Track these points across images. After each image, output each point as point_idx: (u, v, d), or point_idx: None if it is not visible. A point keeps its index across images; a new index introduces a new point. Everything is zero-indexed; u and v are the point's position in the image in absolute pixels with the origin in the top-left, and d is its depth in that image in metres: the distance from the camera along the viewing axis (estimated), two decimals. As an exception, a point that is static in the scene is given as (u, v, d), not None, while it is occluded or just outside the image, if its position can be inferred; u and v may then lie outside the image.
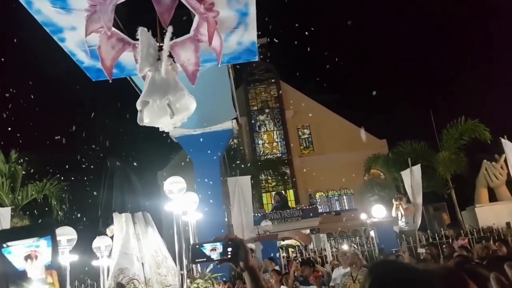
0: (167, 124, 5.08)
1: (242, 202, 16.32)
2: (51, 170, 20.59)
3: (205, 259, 1.87)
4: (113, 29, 4.68)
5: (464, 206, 20.27)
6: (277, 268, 11.23)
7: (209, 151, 14.87)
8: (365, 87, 35.65)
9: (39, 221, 18.97)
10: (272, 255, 13.80)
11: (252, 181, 18.62)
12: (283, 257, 15.44)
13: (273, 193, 34.66)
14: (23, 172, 20.12)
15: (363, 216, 20.68)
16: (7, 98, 18.52)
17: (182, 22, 5.04)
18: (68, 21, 4.96)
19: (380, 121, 34.36)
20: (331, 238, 29.92)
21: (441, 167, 21.48)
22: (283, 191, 34.57)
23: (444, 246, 12.40)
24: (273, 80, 38.74)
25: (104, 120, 26.61)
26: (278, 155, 37.27)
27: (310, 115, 35.54)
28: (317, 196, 35.61)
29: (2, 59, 18.21)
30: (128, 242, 8.94)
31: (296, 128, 38.04)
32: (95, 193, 10.81)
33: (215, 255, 1.86)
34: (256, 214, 23.70)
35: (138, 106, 4.86)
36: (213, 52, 5.01)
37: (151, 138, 20.11)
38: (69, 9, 4.74)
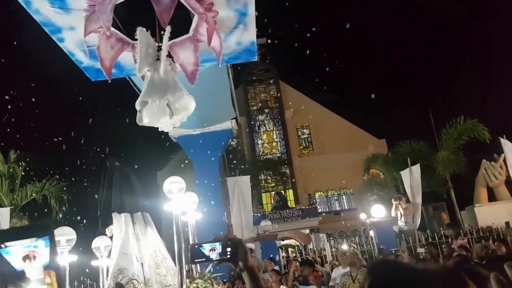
0: (167, 124, 5.08)
1: (241, 202, 16.32)
2: (51, 171, 20.60)
3: (204, 259, 1.87)
4: (112, 29, 4.68)
5: (464, 205, 20.27)
6: (276, 268, 11.23)
7: (208, 151, 14.86)
8: (364, 87, 35.74)
9: (38, 222, 18.97)
10: (271, 255, 13.79)
11: (252, 181, 18.62)
12: (283, 257, 15.43)
13: (273, 193, 34.68)
14: (22, 173, 20.11)
15: (362, 216, 20.69)
16: (6, 98, 18.52)
17: (181, 22, 5.03)
18: (67, 21, 4.95)
19: (379, 121, 34.41)
20: (331, 238, 29.91)
21: (440, 167, 21.49)
22: (282, 191, 34.58)
23: (443, 245, 12.41)
24: (272, 80, 38.76)
25: (103, 120, 26.63)
26: (278, 155, 37.28)
27: (310, 117, 35.59)
28: (316, 196, 35.62)
29: (2, 60, 18.21)
30: (128, 242, 8.93)
31: (295, 128, 38.05)
32: (94, 194, 10.80)
33: (214, 255, 1.86)
34: (256, 214, 23.72)
35: (137, 106, 4.86)
36: (212, 52, 5.01)
37: (150, 138, 20.13)
38: (68, 9, 4.74)
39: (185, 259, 7.67)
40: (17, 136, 20.89)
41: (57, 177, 20.57)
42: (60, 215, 20.00)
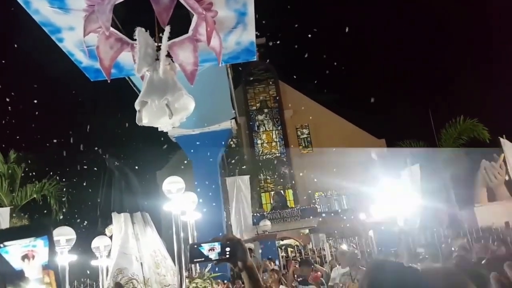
0: (166, 124, 5.08)
1: (241, 202, 16.34)
2: (50, 171, 20.60)
3: (203, 259, 1.87)
4: (112, 29, 4.68)
5: (463, 205, 20.26)
6: (276, 268, 11.23)
7: (208, 151, 14.87)
8: (364, 86, 35.69)
9: (37, 221, 18.96)
10: (270, 255, 13.80)
11: (251, 181, 18.63)
12: (282, 257, 15.45)
13: (272, 192, 34.67)
14: (22, 174, 20.12)
15: (362, 216, 20.68)
16: (6, 98, 18.51)
17: (180, 22, 5.04)
18: (66, 21, 4.95)
19: (378, 120, 34.38)
20: (330, 238, 29.90)
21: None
22: (282, 191, 34.57)
23: (443, 246, 12.39)
24: (272, 80, 38.73)
25: (102, 120, 26.60)
26: (277, 154, 37.25)
27: (311, 117, 35.57)
28: (316, 195, 35.59)
29: (3, 61, 18.21)
30: (127, 242, 8.94)
31: (295, 128, 38.01)
32: (94, 194, 10.81)
33: (213, 255, 1.86)
34: (255, 214, 23.72)
35: (137, 106, 4.86)
36: (211, 52, 5.01)
37: (150, 138, 20.11)
38: (67, 9, 4.74)
39: (184, 259, 7.68)
40: (17, 136, 20.90)
41: (57, 177, 20.59)
42: (60, 215, 20.00)
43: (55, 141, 20.63)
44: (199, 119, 12.79)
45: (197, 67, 4.93)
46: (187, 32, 4.94)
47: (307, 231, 28.36)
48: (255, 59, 6.21)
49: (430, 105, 29.18)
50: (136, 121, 4.93)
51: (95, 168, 15.63)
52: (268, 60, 35.53)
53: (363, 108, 35.59)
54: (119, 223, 9.15)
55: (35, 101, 21.36)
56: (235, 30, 5.29)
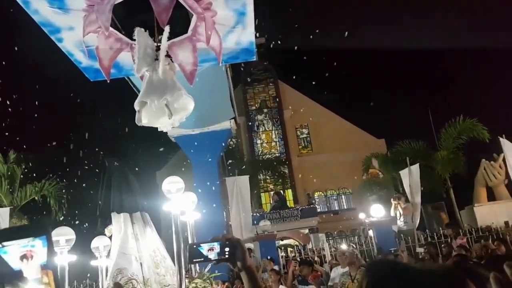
0: (166, 124, 5.08)
1: (240, 202, 16.33)
2: (50, 172, 20.60)
3: (202, 259, 1.87)
4: (111, 29, 4.67)
5: (463, 205, 20.26)
6: (276, 267, 11.22)
7: (207, 151, 14.86)
8: (363, 86, 35.71)
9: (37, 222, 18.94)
10: (270, 255, 13.78)
11: (251, 181, 18.60)
12: (282, 256, 15.43)
13: (272, 192, 34.63)
14: (21, 175, 20.11)
15: (361, 216, 20.68)
16: (5, 98, 18.50)
17: (180, 22, 5.04)
18: (65, 21, 4.95)
19: (378, 120, 34.42)
20: (330, 238, 29.89)
21: (440, 166, 21.47)
22: (281, 191, 34.54)
23: (442, 245, 12.39)
24: (271, 80, 38.73)
25: (102, 120, 26.61)
26: (277, 154, 37.25)
27: (311, 119, 35.59)
28: (315, 195, 35.60)
29: (3, 63, 18.19)
30: (127, 242, 8.93)
31: (294, 128, 38.03)
32: (94, 194, 10.80)
33: (212, 255, 1.86)
34: (255, 214, 23.71)
35: (136, 106, 4.86)
36: (210, 52, 5.02)
37: (149, 138, 20.11)
38: (66, 9, 4.74)
39: (184, 259, 7.68)
40: (17, 136, 20.90)
41: (57, 178, 20.58)
42: (60, 216, 20.00)
43: (54, 142, 20.62)
44: (198, 119, 12.78)
45: (196, 67, 4.93)
46: (186, 32, 4.94)
47: (306, 231, 28.31)
48: (255, 59, 6.21)
49: (430, 105, 29.24)
50: (136, 121, 4.93)
51: (95, 169, 15.63)
52: (267, 60, 35.55)
53: (362, 108, 35.67)
54: (119, 223, 9.14)
55: (35, 101, 21.37)
56: (234, 30, 5.29)
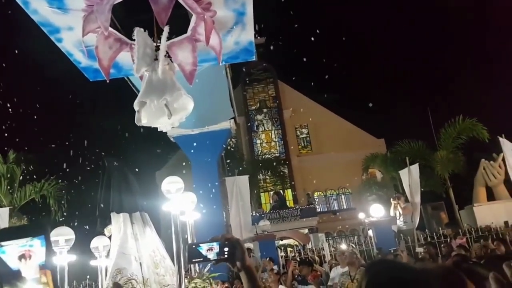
0: (165, 124, 5.08)
1: (240, 201, 16.33)
2: (50, 173, 20.60)
3: (201, 259, 1.87)
4: (110, 29, 4.67)
5: (462, 205, 20.26)
6: (275, 267, 11.22)
7: (207, 151, 14.86)
8: (363, 86, 35.72)
9: (36, 222, 18.94)
10: (270, 255, 13.78)
11: (250, 181, 18.60)
12: (282, 256, 15.42)
13: (271, 192, 34.65)
14: (21, 176, 20.11)
15: (361, 216, 20.67)
16: (5, 98, 18.50)
17: (179, 22, 5.03)
18: (65, 21, 4.95)
19: (378, 120, 34.42)
20: (330, 238, 29.91)
21: (439, 166, 21.47)
22: (281, 191, 34.55)
23: (442, 245, 12.39)
24: (271, 80, 38.73)
25: (102, 120, 26.61)
26: (276, 154, 37.25)
27: (311, 119, 35.59)
28: (315, 195, 35.60)
29: (4, 65, 18.20)
30: (126, 242, 8.92)
31: (294, 128, 38.04)
32: (93, 194, 10.79)
33: (211, 255, 1.86)
34: (254, 214, 23.72)
35: (136, 106, 4.86)
36: (210, 51, 5.02)
37: (149, 138, 20.11)
38: (66, 9, 4.73)
39: (183, 259, 7.67)
40: (16, 136, 20.89)
41: (56, 178, 20.58)
42: (59, 215, 20.00)
43: (54, 142, 20.63)
44: (198, 119, 12.78)
45: (196, 67, 4.93)
46: (185, 32, 4.94)
47: (306, 231, 28.33)
48: (254, 59, 6.21)
49: (430, 105, 29.21)
50: (135, 121, 4.93)
51: (95, 169, 15.63)
52: (267, 60, 35.55)
53: (362, 108, 35.69)
54: (118, 223, 9.13)
55: (35, 101, 21.38)
56: (234, 30, 5.29)
